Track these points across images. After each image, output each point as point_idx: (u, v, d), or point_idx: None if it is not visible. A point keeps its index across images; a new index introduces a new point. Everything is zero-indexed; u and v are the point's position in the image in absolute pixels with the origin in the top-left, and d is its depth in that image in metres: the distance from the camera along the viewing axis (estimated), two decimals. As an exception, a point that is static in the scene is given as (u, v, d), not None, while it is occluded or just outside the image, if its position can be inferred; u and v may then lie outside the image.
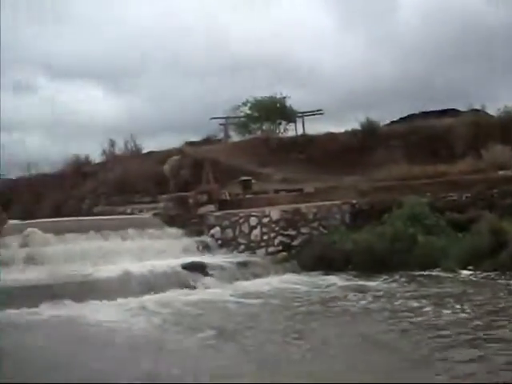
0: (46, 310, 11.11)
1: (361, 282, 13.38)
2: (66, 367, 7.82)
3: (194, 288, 13.20)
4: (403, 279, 13.51)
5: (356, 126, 28.27)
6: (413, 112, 31.03)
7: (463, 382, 6.81)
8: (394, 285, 13.04)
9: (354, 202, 17.85)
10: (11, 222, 17.44)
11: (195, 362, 7.85)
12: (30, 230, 15.77)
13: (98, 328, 9.85)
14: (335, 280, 13.89)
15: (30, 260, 14.54)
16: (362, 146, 26.00)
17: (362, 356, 7.90)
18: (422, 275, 13.77)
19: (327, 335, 9.03)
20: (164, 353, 8.39)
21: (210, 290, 13.05)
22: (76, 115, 50.42)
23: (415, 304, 10.79)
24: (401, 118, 32.00)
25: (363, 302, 11.28)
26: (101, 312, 10.90)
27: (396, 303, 11.06)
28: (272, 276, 14.62)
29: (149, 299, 11.96)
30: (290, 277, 14.61)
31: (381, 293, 12.08)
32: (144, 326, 9.86)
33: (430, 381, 6.84)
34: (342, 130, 29.01)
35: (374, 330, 9.18)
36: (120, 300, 11.89)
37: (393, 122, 31.57)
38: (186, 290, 12.95)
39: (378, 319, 9.89)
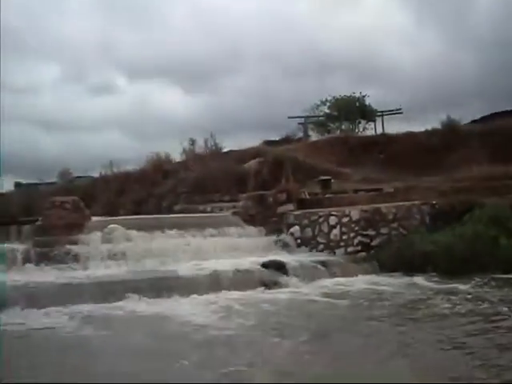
0: (129, 305, 11.25)
1: (445, 285, 12.99)
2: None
3: (275, 287, 13.18)
4: (493, 282, 13.04)
5: (436, 125, 27.99)
6: (494, 111, 30.55)
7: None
8: (484, 288, 12.58)
9: (434, 202, 17.46)
10: (94, 218, 17.82)
11: (300, 369, 7.53)
12: (112, 226, 16.09)
13: (186, 325, 9.77)
14: (418, 281, 13.62)
15: (113, 256, 14.81)
16: (442, 146, 25.65)
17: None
18: (508, 278, 13.29)
19: (420, 338, 8.75)
20: (264, 356, 8.11)
21: (292, 289, 12.96)
22: (156, 114, 51.48)
23: (505, 308, 10.37)
24: (482, 118, 31.50)
25: (450, 305, 10.87)
26: (185, 309, 10.92)
27: (483, 307, 10.65)
28: (352, 276, 14.43)
29: (231, 297, 11.93)
30: (370, 277, 14.41)
31: (468, 296, 11.67)
32: (234, 326, 9.64)
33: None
34: (421, 129, 28.73)
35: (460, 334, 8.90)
36: (203, 297, 11.96)
37: (474, 122, 31.11)
38: (267, 289, 12.97)
39: (464, 322, 9.56)
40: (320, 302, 11.70)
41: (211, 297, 12.01)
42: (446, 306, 10.92)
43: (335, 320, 10.28)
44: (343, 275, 14.52)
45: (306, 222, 17.64)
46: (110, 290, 11.99)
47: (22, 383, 7.32)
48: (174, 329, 9.70)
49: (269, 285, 13.25)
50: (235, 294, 12.25)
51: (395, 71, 49.36)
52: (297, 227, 17.74)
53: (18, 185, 33.10)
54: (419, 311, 10.72)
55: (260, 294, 12.57)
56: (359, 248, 16.54)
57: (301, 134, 34.00)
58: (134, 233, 15.91)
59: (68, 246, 14.85)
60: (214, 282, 12.88)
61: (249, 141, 33.52)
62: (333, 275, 14.46)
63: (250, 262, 14.39)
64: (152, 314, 10.66)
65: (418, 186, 19.85)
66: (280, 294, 12.48)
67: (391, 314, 10.60)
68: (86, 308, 10.98)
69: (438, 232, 15.90)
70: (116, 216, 22.22)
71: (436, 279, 13.83)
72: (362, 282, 13.90)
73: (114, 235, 15.71)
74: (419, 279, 13.87)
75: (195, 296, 12.02)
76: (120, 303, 11.37)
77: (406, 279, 14.01)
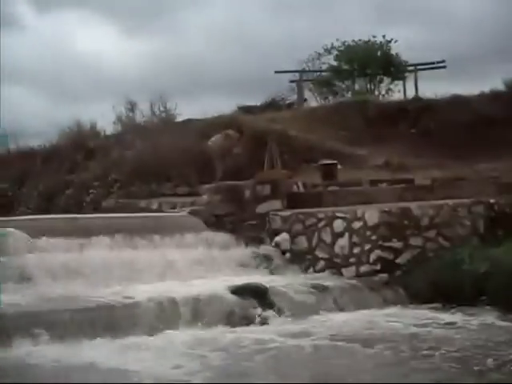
0: (27, 352, 10.81)
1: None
2: None
3: (252, 324, 13.09)
4: None
5: (498, 85, 28.08)
6: None
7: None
8: None
9: (493, 201, 17.49)
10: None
11: None
12: (7, 230, 15.87)
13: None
14: (477, 321, 12.96)
15: (6, 276, 14.61)
16: (506, 117, 25.71)
17: None
18: None
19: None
20: None
21: (280, 328, 12.61)
22: (78, 63, 51.14)
23: None
24: None
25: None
26: (116, 359, 10.42)
27: None
28: (369, 309, 14.30)
29: (187, 339, 11.64)
30: (397, 311, 14.14)
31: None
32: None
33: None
34: (475, 91, 28.85)
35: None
36: (142, 339, 11.69)
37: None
38: (240, 328, 12.73)
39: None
40: (329, 356, 10.93)
41: (159, 339, 11.75)
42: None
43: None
44: (356, 308, 14.43)
45: (298, 227, 17.67)
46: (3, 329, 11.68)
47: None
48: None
49: (242, 321, 13.14)
50: (191, 335, 11.97)
51: (436, 6, 49.34)
52: (285, 235, 17.76)
53: None
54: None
55: (233, 334, 12.17)
56: (378, 267, 16.41)
57: (294, 98, 34.04)
58: (41, 241, 15.71)
59: None
60: (161, 317, 12.70)
61: (217, 106, 33.31)
62: (338, 308, 14.41)
63: (215, 285, 14.32)
64: (65, 365, 10.21)
65: (467, 175, 19.87)
66: (264, 336, 11.94)
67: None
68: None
69: (498, 245, 15.78)
70: (13, 215, 22.08)
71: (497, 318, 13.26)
72: (384, 319, 13.44)
73: (10, 243, 15.50)
74: (487, 317, 13.29)
75: (131, 336, 11.81)
76: (18, 348, 10.95)
77: (459, 316, 13.55)
